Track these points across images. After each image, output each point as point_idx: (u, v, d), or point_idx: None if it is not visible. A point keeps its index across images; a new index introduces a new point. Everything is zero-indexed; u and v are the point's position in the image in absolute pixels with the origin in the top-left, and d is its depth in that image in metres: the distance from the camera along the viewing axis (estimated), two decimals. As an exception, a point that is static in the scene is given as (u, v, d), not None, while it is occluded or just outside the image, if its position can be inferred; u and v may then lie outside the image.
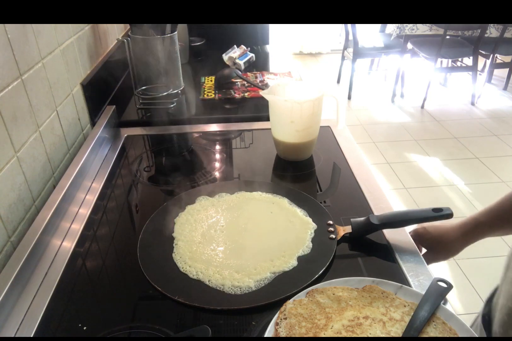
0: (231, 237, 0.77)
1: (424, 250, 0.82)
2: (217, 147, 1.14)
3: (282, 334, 0.56)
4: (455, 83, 4.04)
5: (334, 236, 0.76)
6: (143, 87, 1.31)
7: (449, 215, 0.72)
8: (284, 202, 0.86)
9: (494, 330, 0.63)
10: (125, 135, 1.17)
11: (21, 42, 0.80)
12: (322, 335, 0.56)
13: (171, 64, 1.31)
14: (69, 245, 0.77)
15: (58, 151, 0.94)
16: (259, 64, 1.67)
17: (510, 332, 0.58)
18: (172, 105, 1.30)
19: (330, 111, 1.12)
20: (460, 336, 0.56)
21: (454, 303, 1.76)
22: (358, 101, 3.78)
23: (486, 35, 3.22)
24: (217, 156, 1.09)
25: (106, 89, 1.30)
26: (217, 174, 1.00)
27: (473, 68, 3.46)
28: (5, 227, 0.71)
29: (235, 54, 1.59)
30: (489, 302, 0.70)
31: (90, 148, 0.98)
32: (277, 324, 0.57)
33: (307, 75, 4.33)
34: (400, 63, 3.61)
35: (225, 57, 1.60)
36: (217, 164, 1.05)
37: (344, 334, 0.56)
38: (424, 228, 0.81)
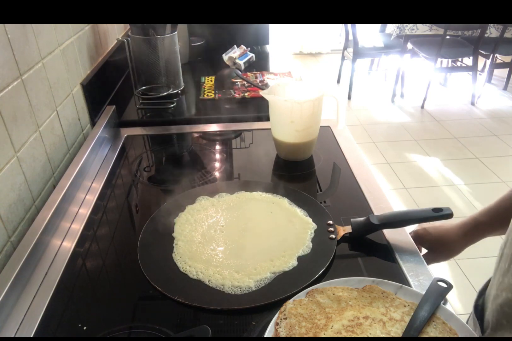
0: (231, 237, 0.77)
1: (424, 251, 0.82)
2: (217, 147, 1.14)
3: (282, 334, 0.56)
4: (455, 83, 4.04)
5: (334, 236, 0.76)
6: (143, 87, 1.31)
7: (449, 215, 0.72)
8: (284, 202, 0.86)
9: (487, 319, 0.64)
10: (125, 135, 1.17)
11: (21, 42, 0.80)
12: (322, 335, 0.56)
13: (171, 64, 1.31)
14: (69, 245, 0.77)
15: (58, 151, 0.94)
16: (259, 64, 1.67)
17: (503, 321, 0.58)
18: (172, 105, 1.30)
19: (330, 111, 1.12)
20: (460, 336, 0.56)
21: (454, 303, 1.76)
22: (358, 101, 3.78)
23: (486, 35, 3.22)
24: (217, 156, 1.09)
25: (106, 89, 1.30)
26: (217, 174, 1.00)
27: (473, 68, 3.46)
28: (5, 227, 0.71)
29: (235, 54, 1.59)
30: (483, 293, 0.70)
31: (90, 148, 0.98)
32: (277, 324, 0.57)
33: (307, 75, 4.33)
34: (400, 63, 3.61)
35: (225, 57, 1.60)
36: (217, 164, 1.05)
37: (344, 334, 0.56)
38: (424, 228, 0.81)
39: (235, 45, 1.64)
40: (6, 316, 0.62)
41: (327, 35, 4.83)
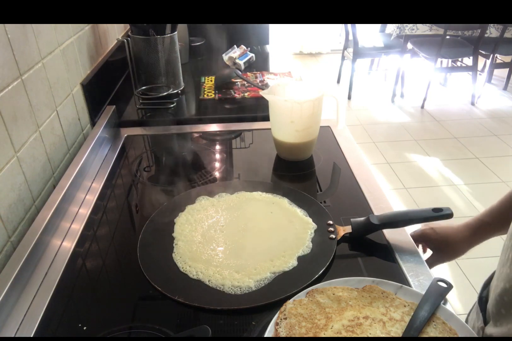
0: (231, 237, 0.77)
1: (429, 253, 0.81)
2: (217, 147, 1.14)
3: (282, 334, 0.56)
4: (455, 83, 4.04)
5: (334, 236, 0.76)
6: (143, 87, 1.31)
7: (449, 215, 0.72)
8: (284, 202, 0.86)
9: (488, 309, 0.65)
10: (125, 135, 1.17)
11: (21, 42, 0.80)
12: (322, 335, 0.56)
13: (171, 64, 1.31)
14: (69, 245, 0.77)
15: (58, 151, 0.94)
16: (259, 64, 1.67)
17: (502, 310, 0.59)
18: (172, 105, 1.30)
19: (330, 111, 1.12)
20: (460, 336, 0.56)
21: (454, 303, 1.76)
22: (358, 101, 3.78)
23: (486, 35, 3.22)
24: (217, 156, 1.09)
25: (106, 89, 1.30)
26: (217, 174, 1.00)
27: (473, 68, 3.46)
28: (5, 227, 0.71)
29: (235, 54, 1.59)
30: (487, 284, 0.71)
31: (90, 148, 0.98)
32: (277, 324, 0.57)
33: (307, 75, 4.33)
34: (400, 63, 3.61)
35: (225, 57, 1.60)
36: (217, 164, 1.05)
37: (344, 334, 0.56)
38: (431, 228, 0.81)
39: (235, 45, 1.64)
40: (6, 316, 0.62)
41: (327, 35, 4.83)
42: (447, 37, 3.26)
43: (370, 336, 0.56)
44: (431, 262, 0.81)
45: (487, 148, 2.98)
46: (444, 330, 0.56)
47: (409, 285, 0.66)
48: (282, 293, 0.64)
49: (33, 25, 0.85)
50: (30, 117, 0.82)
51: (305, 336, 0.56)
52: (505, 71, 3.85)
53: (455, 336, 0.56)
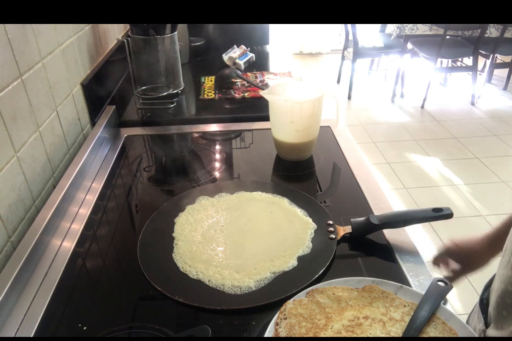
0: (231, 237, 0.77)
1: (453, 265, 0.81)
2: (217, 147, 1.14)
3: (282, 334, 0.56)
4: (455, 83, 4.04)
5: (334, 236, 0.76)
6: (143, 87, 1.31)
7: (449, 215, 0.72)
8: (284, 202, 0.86)
9: (489, 312, 0.65)
10: (125, 135, 1.17)
11: (21, 42, 0.80)
12: (322, 335, 0.56)
13: (171, 64, 1.31)
14: (69, 245, 0.77)
15: (58, 151, 0.94)
16: (259, 64, 1.67)
17: (503, 312, 0.59)
18: (172, 105, 1.30)
19: (330, 111, 1.12)
20: (460, 336, 0.56)
21: (454, 303, 1.76)
22: (358, 101, 3.78)
23: (486, 35, 3.22)
24: (217, 156, 1.09)
25: (106, 89, 1.30)
26: (217, 174, 1.00)
27: (473, 68, 3.46)
28: (5, 227, 0.71)
29: (235, 54, 1.59)
30: (488, 286, 0.71)
31: (90, 148, 0.98)
32: (277, 324, 0.57)
33: (307, 75, 4.33)
34: (400, 63, 3.61)
35: (225, 57, 1.60)
36: (217, 164, 1.05)
37: (344, 334, 0.56)
38: (454, 243, 0.81)
39: (235, 45, 1.64)
40: (6, 316, 0.62)
41: (327, 35, 4.83)
42: (447, 37, 3.26)
43: (370, 336, 0.56)
44: (455, 277, 0.81)
45: (487, 148, 2.98)
46: (444, 330, 0.56)
47: (409, 285, 0.66)
48: (282, 293, 0.64)
49: (33, 25, 0.85)
50: (30, 117, 0.82)
51: (305, 336, 0.56)
52: (505, 71, 3.85)
53: (455, 336, 0.56)
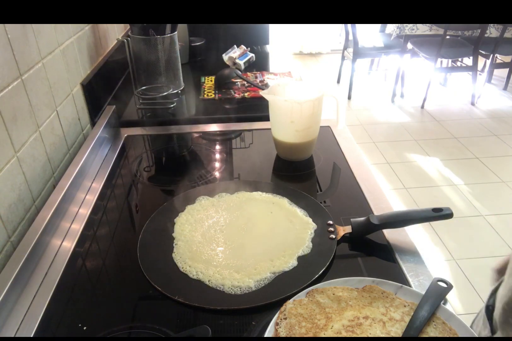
0: (231, 237, 0.77)
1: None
2: (217, 147, 1.14)
3: (282, 334, 0.56)
4: (455, 83, 4.04)
5: (334, 236, 0.76)
6: (143, 87, 1.31)
7: (449, 215, 0.72)
8: (284, 202, 0.86)
9: (495, 319, 0.64)
10: (125, 135, 1.17)
11: (21, 42, 0.80)
12: (322, 335, 0.56)
13: (171, 64, 1.31)
14: (69, 245, 0.77)
15: (58, 151, 0.94)
16: (259, 64, 1.67)
17: (510, 320, 0.59)
18: (172, 105, 1.30)
19: (330, 111, 1.12)
20: (460, 336, 0.56)
21: (454, 303, 1.76)
22: (358, 101, 3.78)
23: (486, 35, 3.22)
24: (217, 156, 1.09)
25: (106, 89, 1.30)
26: (217, 174, 1.00)
27: (473, 68, 3.46)
28: (5, 227, 0.71)
29: (235, 54, 1.59)
30: (494, 293, 0.70)
31: (90, 148, 0.98)
32: (277, 324, 0.57)
33: (307, 75, 4.33)
34: (400, 63, 3.61)
35: (225, 57, 1.60)
36: (217, 164, 1.05)
37: (344, 334, 0.56)
38: None
39: (235, 45, 1.64)
40: (6, 316, 0.62)
41: (327, 35, 4.83)
42: (447, 37, 3.26)
43: (370, 336, 0.56)
44: None
45: (487, 148, 2.98)
46: (444, 330, 0.56)
47: (409, 285, 0.66)
48: (282, 293, 0.64)
49: (33, 25, 0.85)
50: (30, 117, 0.82)
51: (305, 336, 0.56)
52: (505, 71, 3.85)
53: (455, 336, 0.56)
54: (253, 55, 1.64)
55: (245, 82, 1.45)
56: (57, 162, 0.94)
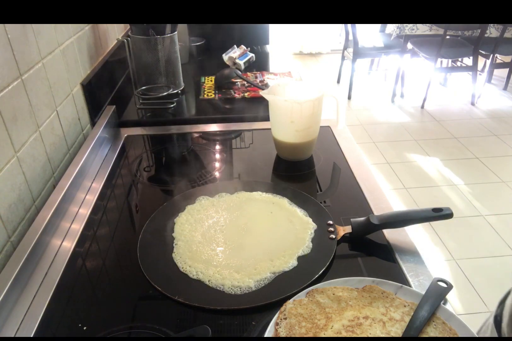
0: (231, 237, 0.77)
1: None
2: (217, 147, 1.14)
3: (282, 334, 0.56)
4: (455, 83, 4.04)
5: (334, 236, 0.76)
6: (143, 87, 1.31)
7: (449, 215, 0.72)
8: (284, 202, 0.86)
9: (503, 329, 0.64)
10: (125, 135, 1.17)
11: (21, 42, 0.80)
12: (322, 335, 0.56)
13: (171, 64, 1.31)
14: (69, 245, 0.77)
15: (58, 151, 0.94)
16: (259, 64, 1.67)
17: None
18: (172, 105, 1.30)
19: (330, 111, 1.12)
20: (460, 336, 0.56)
21: (454, 303, 1.76)
22: (358, 101, 3.78)
23: (486, 35, 3.22)
24: (217, 156, 1.09)
25: (106, 89, 1.30)
26: (217, 174, 1.00)
27: (473, 68, 3.46)
28: (5, 227, 0.71)
29: (235, 54, 1.59)
30: (502, 303, 0.70)
31: (90, 148, 0.98)
32: (277, 324, 0.57)
33: (307, 75, 4.33)
34: (400, 63, 3.61)
35: (225, 57, 1.60)
36: (217, 164, 1.05)
37: (344, 334, 0.56)
38: None
39: (235, 45, 1.64)
40: (6, 316, 0.62)
41: (327, 35, 4.83)
42: (447, 37, 3.26)
43: (370, 336, 0.56)
44: None
45: (487, 148, 2.98)
46: (444, 330, 0.56)
47: (409, 285, 0.66)
48: (282, 293, 0.64)
49: (33, 25, 0.85)
50: (30, 117, 0.82)
51: (305, 336, 0.56)
52: (505, 71, 3.85)
53: (455, 336, 0.56)
54: (253, 55, 1.64)
55: (245, 82, 1.45)
56: (57, 162, 0.94)
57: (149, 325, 0.61)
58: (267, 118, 1.05)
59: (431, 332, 0.56)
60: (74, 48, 1.07)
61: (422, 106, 3.60)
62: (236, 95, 1.37)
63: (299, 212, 0.82)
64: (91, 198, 0.90)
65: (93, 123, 1.15)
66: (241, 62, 1.58)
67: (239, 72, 1.43)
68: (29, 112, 0.82)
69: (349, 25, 3.53)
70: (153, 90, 1.32)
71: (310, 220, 0.80)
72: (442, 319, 0.58)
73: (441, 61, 3.76)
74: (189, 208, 0.85)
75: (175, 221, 0.81)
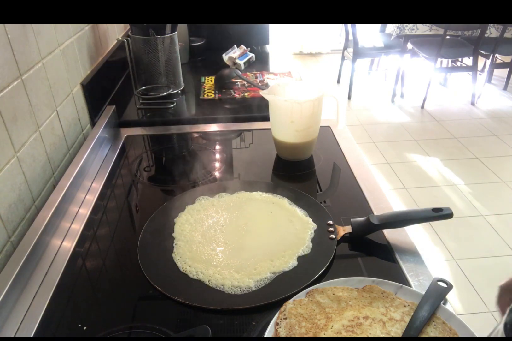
0: (231, 237, 0.77)
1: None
2: (217, 147, 1.14)
3: (282, 334, 0.56)
4: (455, 83, 4.04)
5: (334, 236, 0.76)
6: (143, 87, 1.31)
7: (449, 215, 0.72)
8: (284, 202, 0.86)
9: None
10: (125, 135, 1.17)
11: (21, 42, 0.80)
12: (322, 335, 0.56)
13: (171, 64, 1.31)
14: (69, 245, 0.77)
15: (58, 151, 0.94)
16: (259, 64, 1.67)
17: None
18: (172, 105, 1.30)
19: (330, 111, 1.12)
20: (460, 336, 0.56)
21: (454, 303, 1.76)
22: (358, 101, 3.78)
23: (486, 35, 3.22)
24: (217, 156, 1.09)
25: (106, 89, 1.30)
26: (217, 174, 1.00)
27: (473, 68, 3.45)
28: (5, 227, 0.71)
29: (235, 54, 1.59)
30: None
31: (90, 148, 0.98)
32: (277, 324, 0.57)
33: (307, 75, 4.33)
34: (400, 63, 3.61)
35: (225, 57, 1.60)
36: (217, 164, 1.05)
37: (344, 334, 0.56)
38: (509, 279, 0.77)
39: (235, 45, 1.64)
40: (6, 316, 0.62)
41: (327, 35, 4.83)
42: (447, 37, 3.26)
43: (370, 336, 0.56)
44: None
45: (487, 148, 2.98)
46: (444, 330, 0.56)
47: (409, 285, 0.66)
48: (282, 293, 0.64)
49: (33, 25, 0.85)
50: (30, 117, 0.82)
51: (305, 336, 0.56)
52: (505, 71, 3.85)
53: (455, 336, 0.56)
54: (253, 55, 1.64)
55: (245, 82, 1.45)
56: (57, 162, 0.94)
57: (149, 325, 0.61)
58: (267, 118, 1.05)
59: (431, 332, 0.56)
60: (74, 48, 1.07)
61: (422, 106, 3.60)
62: (236, 95, 1.37)
63: (299, 212, 0.82)
64: (91, 198, 0.90)
65: (93, 123, 1.15)
66: (241, 62, 1.58)
67: (239, 72, 1.43)
68: (29, 112, 0.82)
69: (349, 25, 3.53)
70: (153, 90, 1.32)
71: (310, 220, 0.80)
72: (442, 319, 0.58)
73: (441, 61, 3.76)
74: (189, 208, 0.85)
75: (175, 221, 0.81)
